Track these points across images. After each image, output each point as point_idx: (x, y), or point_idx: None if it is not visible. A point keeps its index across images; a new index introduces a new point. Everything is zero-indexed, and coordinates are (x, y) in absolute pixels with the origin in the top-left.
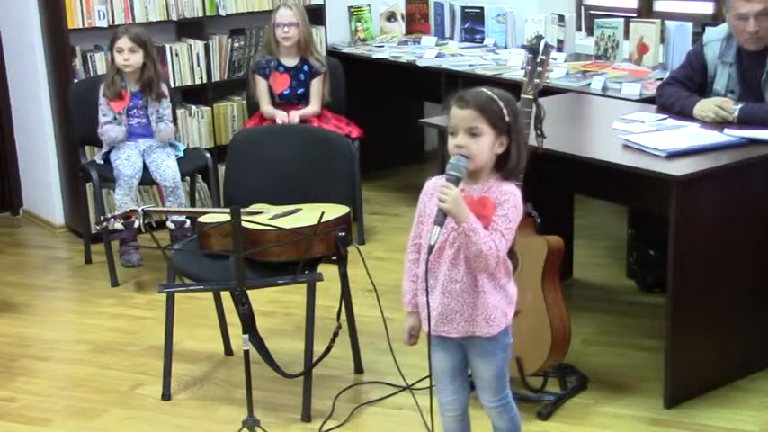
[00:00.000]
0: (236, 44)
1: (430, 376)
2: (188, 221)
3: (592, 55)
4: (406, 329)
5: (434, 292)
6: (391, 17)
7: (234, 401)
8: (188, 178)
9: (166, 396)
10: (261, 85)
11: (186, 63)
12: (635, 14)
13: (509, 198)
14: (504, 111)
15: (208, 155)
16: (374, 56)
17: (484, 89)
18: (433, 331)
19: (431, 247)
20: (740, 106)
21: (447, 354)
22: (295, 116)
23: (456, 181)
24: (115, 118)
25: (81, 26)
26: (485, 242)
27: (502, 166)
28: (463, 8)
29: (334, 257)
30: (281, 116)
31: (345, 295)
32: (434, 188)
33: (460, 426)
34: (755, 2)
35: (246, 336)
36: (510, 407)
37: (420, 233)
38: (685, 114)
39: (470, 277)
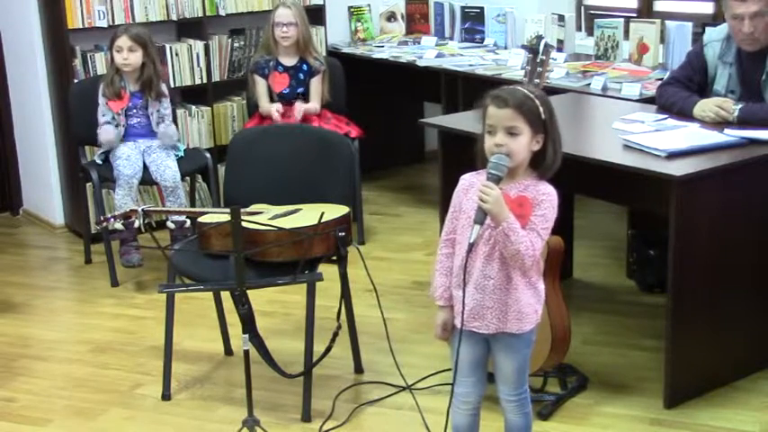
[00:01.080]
0: (236, 44)
1: (455, 371)
2: (188, 221)
3: (592, 55)
4: (438, 324)
5: (467, 288)
6: (391, 17)
7: (234, 401)
8: (188, 178)
9: (166, 396)
10: (260, 85)
11: (186, 63)
12: (635, 14)
13: (546, 198)
14: (541, 109)
15: (208, 155)
16: (374, 56)
17: (519, 87)
18: (464, 326)
19: (470, 246)
20: (740, 106)
21: (470, 347)
22: (299, 112)
23: (497, 180)
24: (114, 118)
25: (81, 26)
26: (522, 242)
27: (537, 164)
28: (463, 8)
29: (334, 257)
30: (275, 109)
31: (345, 295)
32: (470, 184)
33: (470, 421)
34: (750, 3)
35: (246, 336)
36: (526, 402)
37: (455, 228)
38: (685, 114)
39: (504, 274)
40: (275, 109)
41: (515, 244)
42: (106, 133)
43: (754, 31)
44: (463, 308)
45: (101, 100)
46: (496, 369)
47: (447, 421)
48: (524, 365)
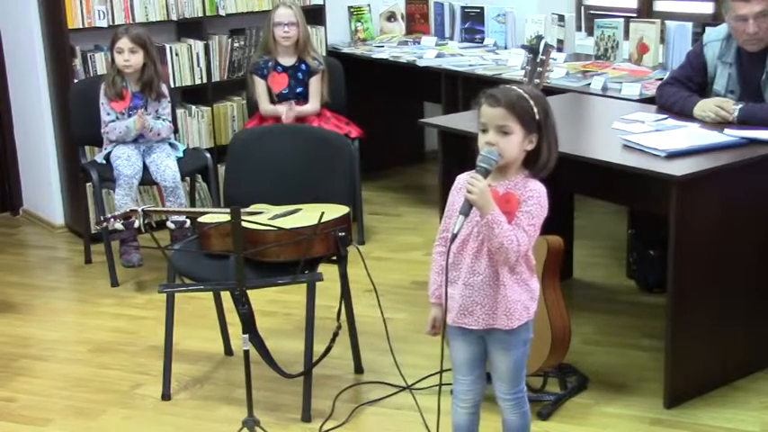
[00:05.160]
0: (236, 44)
1: (440, 373)
2: (188, 221)
3: (592, 55)
4: (429, 320)
5: (457, 284)
6: (391, 17)
7: (234, 401)
8: (188, 178)
9: (166, 396)
10: (259, 86)
11: (186, 63)
12: (635, 14)
13: (533, 195)
14: (535, 109)
15: (208, 155)
16: (374, 56)
17: (515, 87)
18: (455, 323)
19: (454, 236)
20: (740, 106)
21: (466, 344)
22: (291, 112)
23: (485, 173)
24: (117, 118)
25: (81, 26)
26: (506, 236)
27: (531, 164)
28: (463, 8)
29: (334, 257)
30: (284, 110)
31: (345, 295)
32: (464, 183)
33: (470, 419)
34: (754, 3)
35: (246, 336)
36: (523, 401)
37: (448, 227)
38: (685, 114)
39: (492, 270)
40: (284, 113)
41: (499, 237)
42: (119, 128)
43: (758, 32)
44: (446, 303)
45: (103, 99)
46: (492, 367)
47: (438, 421)
48: (520, 364)
